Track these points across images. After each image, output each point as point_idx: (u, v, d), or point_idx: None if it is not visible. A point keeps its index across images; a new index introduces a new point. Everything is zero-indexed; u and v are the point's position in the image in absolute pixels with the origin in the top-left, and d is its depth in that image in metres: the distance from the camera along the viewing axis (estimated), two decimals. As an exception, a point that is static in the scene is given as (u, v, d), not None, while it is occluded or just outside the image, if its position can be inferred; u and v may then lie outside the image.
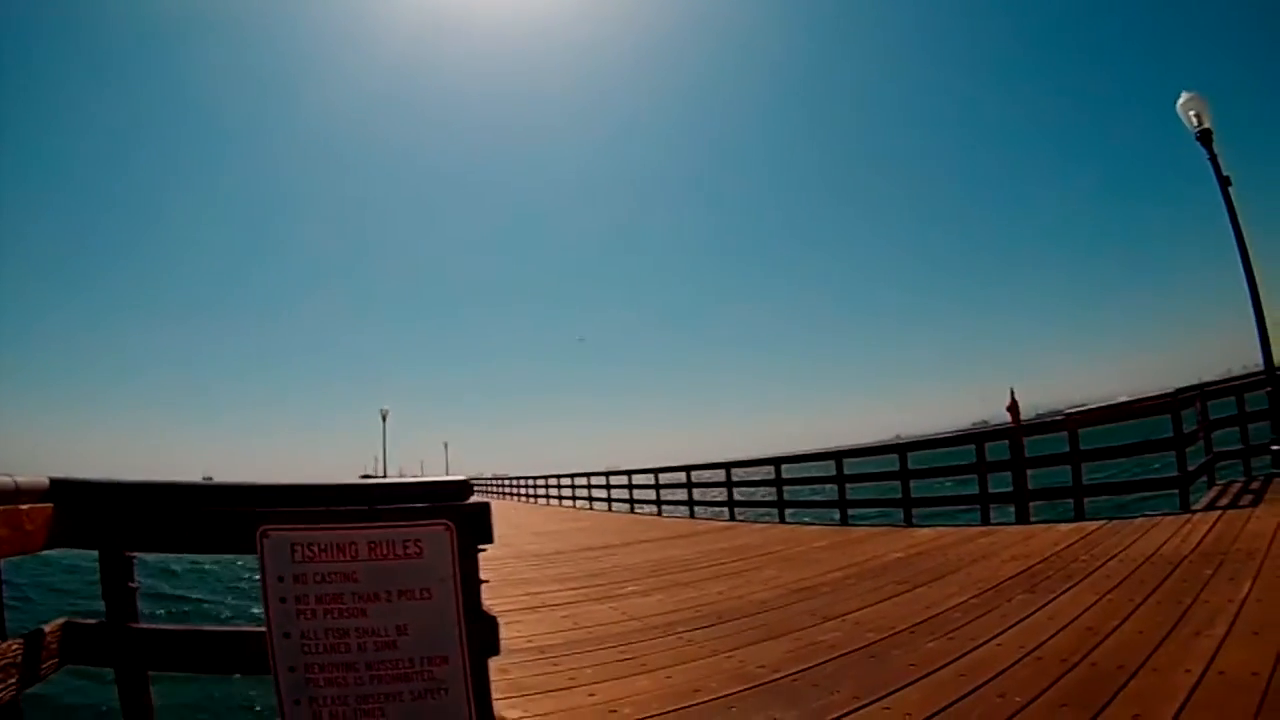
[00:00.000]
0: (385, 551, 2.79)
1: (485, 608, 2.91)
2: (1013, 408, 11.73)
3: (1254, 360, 11.12)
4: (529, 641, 5.99)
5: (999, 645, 4.73)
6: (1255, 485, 9.77)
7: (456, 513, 2.90)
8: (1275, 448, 10.52)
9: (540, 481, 39.07)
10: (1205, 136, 11.30)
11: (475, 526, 2.92)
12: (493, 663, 2.94)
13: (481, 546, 2.94)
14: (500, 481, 54.49)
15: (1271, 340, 10.82)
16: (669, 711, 4.13)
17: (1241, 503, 8.79)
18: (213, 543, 3.15)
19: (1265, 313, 10.85)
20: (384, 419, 65.20)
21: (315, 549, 2.75)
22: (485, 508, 2.98)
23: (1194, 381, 11.88)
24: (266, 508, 2.84)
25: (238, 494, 3.02)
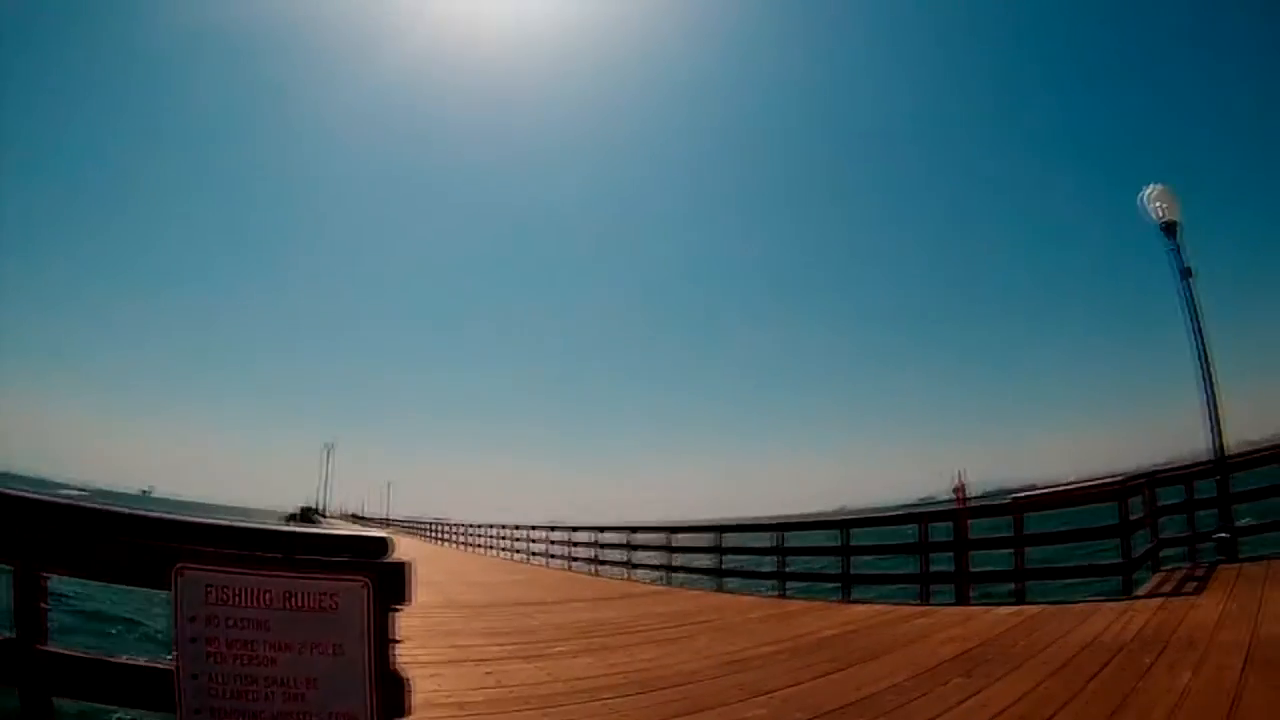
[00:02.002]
0: (300, 602, 2.73)
1: (398, 667, 2.84)
2: (960, 490, 11.80)
3: (1203, 446, 11.28)
4: (449, 696, 5.83)
5: (931, 732, 4.68)
6: (1199, 573, 9.82)
7: (375, 570, 2.86)
8: (1221, 536, 10.62)
9: (480, 530, 38.73)
10: (1170, 228, 11.51)
11: (393, 585, 2.88)
12: (409, 719, 2.87)
13: (397, 606, 2.88)
14: (440, 526, 54.01)
15: (1222, 429, 10.99)
16: (586, 782, 4.05)
17: (1185, 590, 8.82)
18: (128, 574, 3.05)
19: (1216, 401, 11.02)
20: (328, 454, 64.80)
21: (230, 592, 2.70)
22: (404, 567, 2.93)
23: (1145, 464, 12.08)
24: (185, 544, 2.76)
25: (157, 527, 2.94)
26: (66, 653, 2.92)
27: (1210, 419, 11.07)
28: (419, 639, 8.38)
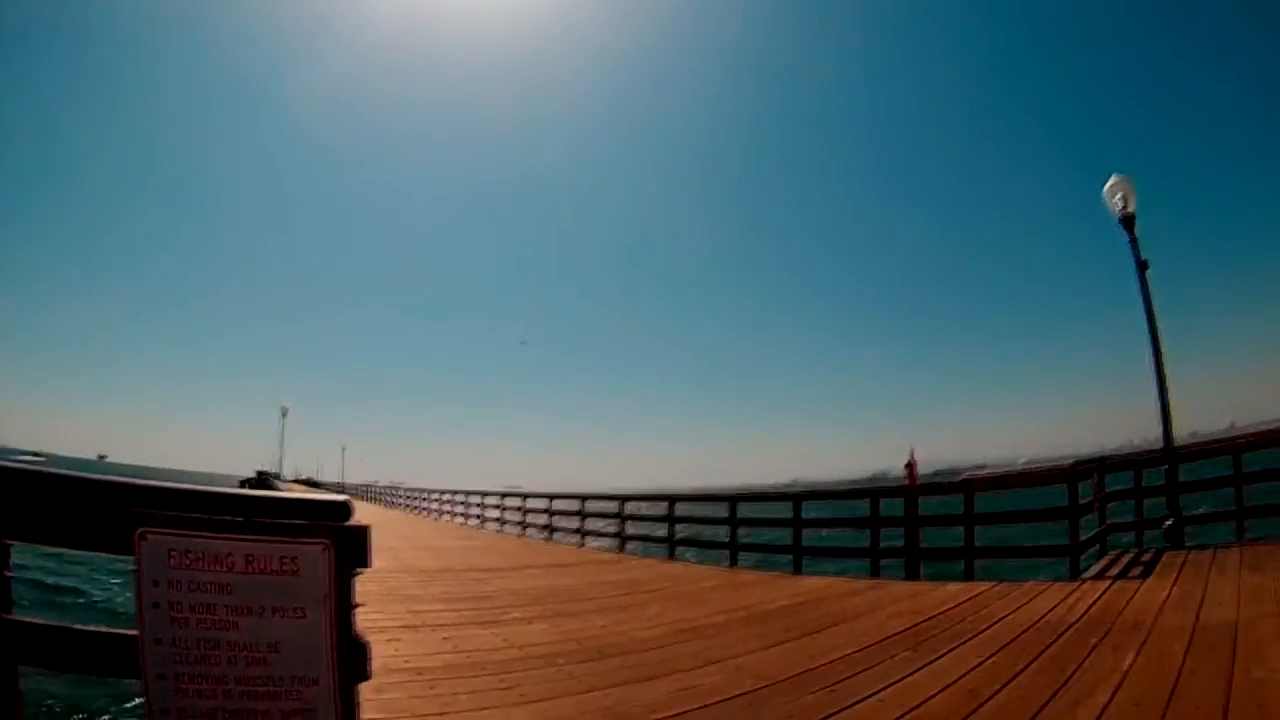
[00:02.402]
0: (262, 566, 2.72)
1: (359, 631, 2.86)
2: (910, 465, 11.91)
3: (1155, 434, 11.45)
4: (406, 662, 5.89)
5: (879, 702, 4.76)
6: (1146, 557, 10.01)
7: (336, 533, 2.86)
8: (1169, 523, 10.82)
9: (435, 495, 38.58)
10: (1128, 220, 11.65)
11: (354, 549, 2.88)
12: (369, 684, 2.90)
13: (358, 570, 2.89)
14: (394, 491, 53.78)
15: (1170, 419, 11.18)
16: (541, 747, 4.09)
17: (1131, 574, 8.99)
18: (91, 539, 3.01)
19: (1167, 393, 11.20)
20: (284, 416, 64.31)
21: (192, 556, 2.68)
22: (365, 531, 2.93)
23: (1095, 450, 12.25)
24: (146, 509, 2.74)
25: (118, 492, 2.91)
26: (32, 621, 2.90)
27: (1161, 409, 11.25)
28: (376, 604, 8.39)
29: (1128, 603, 7.32)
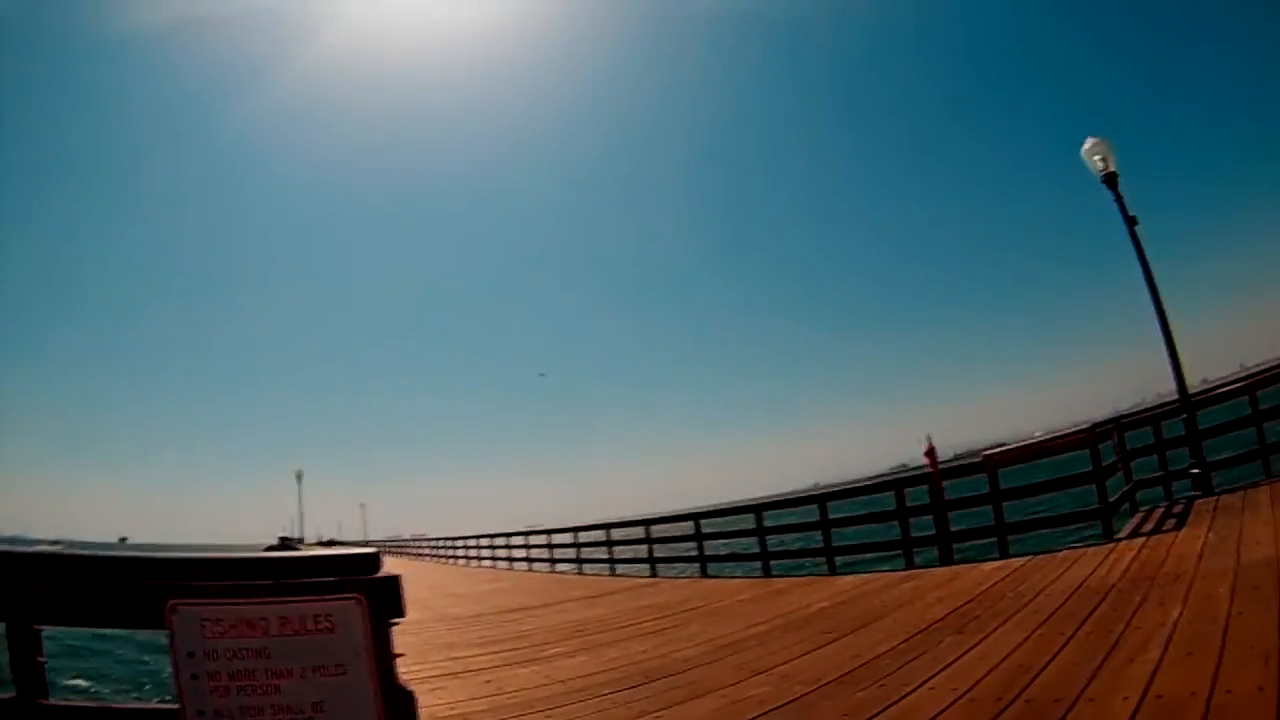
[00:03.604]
0: (296, 626, 2.70)
1: (402, 680, 2.83)
2: (930, 452, 11.85)
3: (1167, 389, 11.44)
4: (452, 709, 5.83)
5: (931, 689, 4.71)
6: (1178, 509, 9.94)
7: (367, 586, 2.84)
8: (1194, 471, 10.80)
9: (459, 542, 38.58)
10: (1111, 179, 11.72)
11: (387, 599, 2.86)
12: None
13: (394, 620, 2.86)
14: (418, 542, 53.81)
15: (1182, 369, 11.20)
16: (597, 777, 4.05)
17: (1165, 528, 8.92)
18: (121, 617, 3.00)
19: (1175, 343, 11.22)
20: (299, 480, 64.44)
21: (225, 624, 2.66)
22: (396, 580, 2.91)
23: (1109, 414, 12.20)
24: (173, 581, 2.73)
25: (145, 566, 2.90)
26: (70, 704, 2.89)
27: (1171, 359, 11.25)
28: (415, 654, 8.34)
29: (1166, 555, 7.29)
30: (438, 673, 7.48)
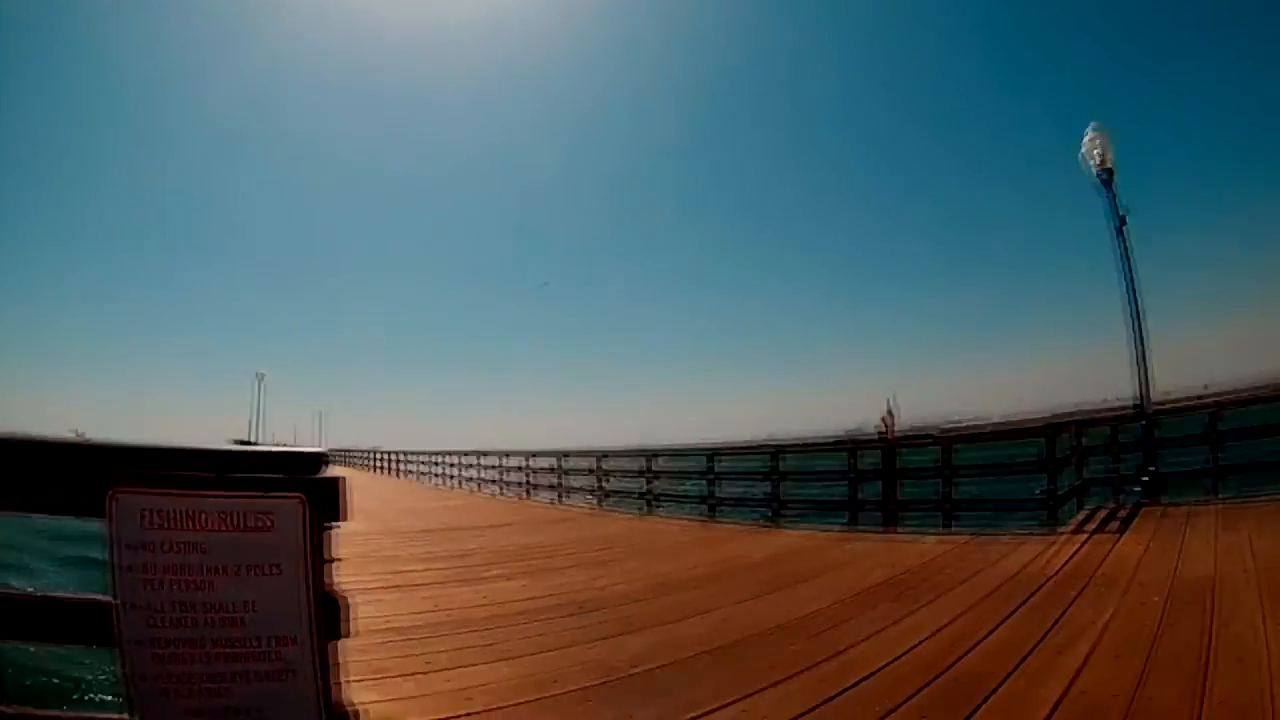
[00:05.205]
0: (236, 522, 2.64)
1: (336, 587, 2.79)
2: (887, 419, 11.95)
3: (1133, 393, 11.54)
4: (389, 622, 5.87)
5: (865, 650, 4.78)
6: (1123, 513, 10.09)
7: (310, 486, 2.77)
8: (1145, 479, 10.93)
9: (413, 457, 38.61)
10: (1107, 175, 11.66)
11: (327, 502, 2.78)
12: (352, 643, 2.84)
13: (334, 524, 2.82)
14: (374, 454, 53.70)
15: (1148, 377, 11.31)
16: (526, 701, 4.07)
17: (1109, 528, 9.09)
18: (62, 504, 2.94)
19: (1145, 350, 11.32)
20: (260, 382, 63.94)
21: (165, 516, 2.59)
22: (338, 482, 2.84)
23: (1073, 407, 12.31)
24: (117, 469, 2.67)
25: (85, 454, 2.84)
26: (6, 593, 2.85)
27: (1138, 366, 11.35)
28: (358, 565, 8.41)
29: (1106, 556, 7.41)
30: (379, 585, 7.53)
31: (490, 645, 5.25)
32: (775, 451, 13.94)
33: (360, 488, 22.69)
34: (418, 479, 35.94)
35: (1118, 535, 8.58)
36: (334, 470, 2.99)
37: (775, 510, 13.07)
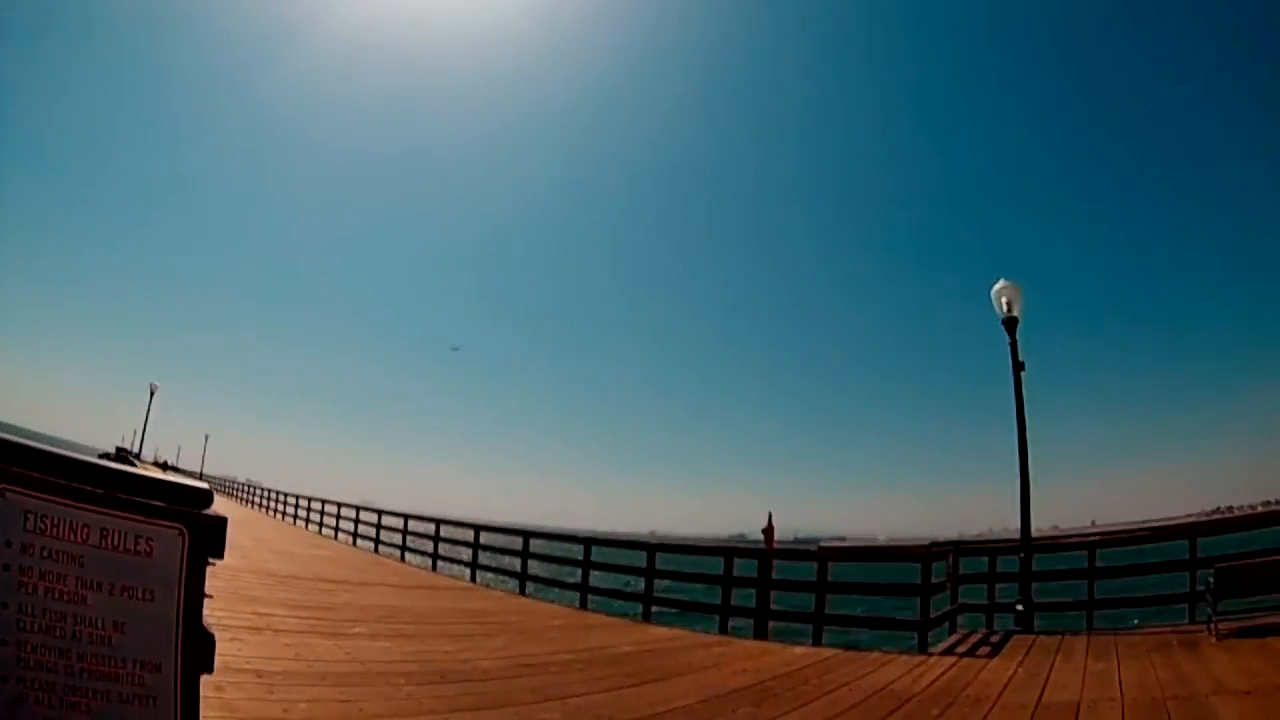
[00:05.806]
0: (116, 542, 2.65)
1: (206, 623, 2.80)
2: (768, 530, 12.11)
3: (1013, 525, 11.93)
4: (248, 663, 5.79)
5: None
6: (995, 639, 10.34)
7: (194, 520, 2.79)
8: (1019, 608, 11.20)
9: (291, 499, 37.82)
10: (1010, 323, 12.25)
11: (210, 538, 2.82)
12: (207, 679, 2.83)
13: (212, 560, 2.84)
14: (250, 489, 52.40)
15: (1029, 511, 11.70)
16: (375, 764, 4.06)
17: (979, 653, 9.31)
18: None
19: (1029, 486, 11.74)
20: (152, 395, 62.15)
21: (49, 522, 2.59)
22: (223, 522, 2.88)
23: (955, 535, 12.64)
24: (9, 466, 2.65)
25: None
26: None
27: (1022, 501, 11.76)
28: (223, 601, 8.20)
29: (973, 679, 7.58)
30: (241, 624, 7.38)
31: (348, 702, 5.21)
32: (653, 549, 13.95)
33: (234, 521, 22.02)
34: (294, 522, 35.22)
35: (988, 660, 8.79)
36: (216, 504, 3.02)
37: (647, 606, 13.04)
